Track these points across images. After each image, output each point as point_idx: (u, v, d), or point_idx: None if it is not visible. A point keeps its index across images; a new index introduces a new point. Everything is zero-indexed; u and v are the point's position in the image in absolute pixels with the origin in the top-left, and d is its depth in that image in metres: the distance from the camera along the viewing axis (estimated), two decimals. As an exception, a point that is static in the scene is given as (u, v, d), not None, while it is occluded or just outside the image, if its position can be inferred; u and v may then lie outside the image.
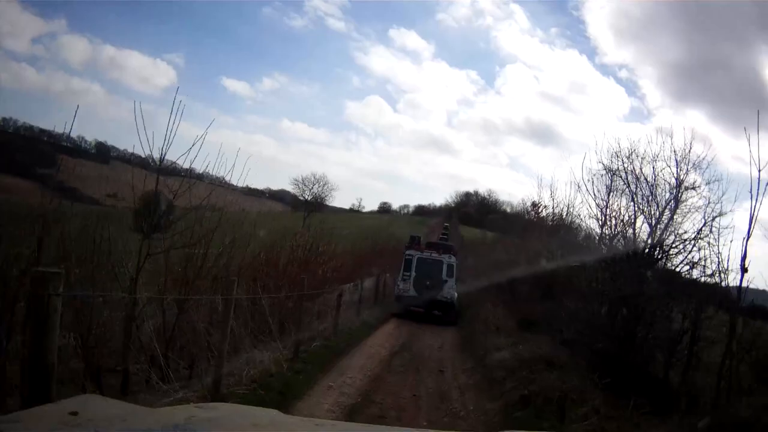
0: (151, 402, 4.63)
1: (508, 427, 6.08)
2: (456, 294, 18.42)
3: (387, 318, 16.83)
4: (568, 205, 17.35)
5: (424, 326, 16.49)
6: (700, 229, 7.98)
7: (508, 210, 51.42)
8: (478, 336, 13.80)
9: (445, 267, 18.77)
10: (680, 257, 8.49)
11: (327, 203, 61.39)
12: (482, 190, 74.45)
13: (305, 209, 51.64)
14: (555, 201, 19.18)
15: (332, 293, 13.07)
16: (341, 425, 2.20)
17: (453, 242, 25.10)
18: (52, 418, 1.60)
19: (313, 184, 59.62)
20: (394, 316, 17.25)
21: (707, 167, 8.35)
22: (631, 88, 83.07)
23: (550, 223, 19.21)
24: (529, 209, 22.72)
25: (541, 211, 20.64)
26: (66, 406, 1.67)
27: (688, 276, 8.39)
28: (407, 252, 19.29)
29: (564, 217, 18.22)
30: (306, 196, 58.75)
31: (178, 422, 1.67)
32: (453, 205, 71.48)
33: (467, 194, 73.65)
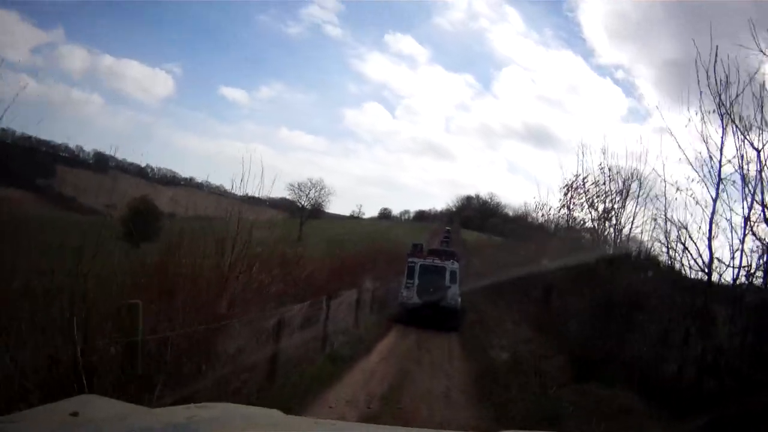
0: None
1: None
2: (460, 300, 18.20)
3: (361, 356, 10.85)
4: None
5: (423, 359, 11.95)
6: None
7: (510, 213, 51.05)
8: (508, 391, 8.30)
9: (448, 273, 18.54)
10: None
11: (325, 209, 60.04)
12: (483, 194, 73.70)
13: (301, 216, 50.33)
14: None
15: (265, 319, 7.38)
16: (341, 425, 2.20)
17: (455, 246, 24.98)
18: (53, 418, 1.60)
19: (310, 189, 57.93)
20: (398, 323, 16.92)
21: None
22: (628, 88, 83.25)
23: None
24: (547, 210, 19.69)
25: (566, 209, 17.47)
26: (67, 407, 1.67)
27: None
28: (410, 259, 19.16)
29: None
30: (302, 202, 57.07)
31: (179, 422, 1.67)
32: (454, 209, 70.80)
33: (468, 198, 73.02)
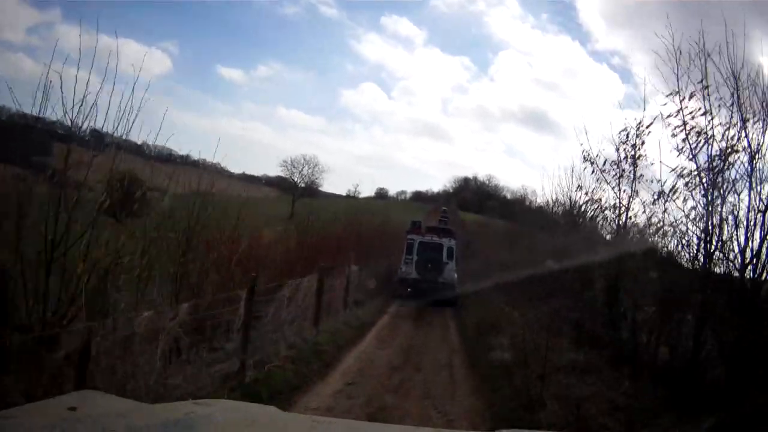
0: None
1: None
2: (456, 276, 19.25)
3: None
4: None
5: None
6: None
7: (508, 196, 50.30)
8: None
9: (445, 250, 19.49)
10: None
11: (321, 189, 58.26)
12: (481, 176, 73.02)
13: (293, 193, 48.78)
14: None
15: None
16: (339, 422, 2.21)
17: (452, 227, 25.44)
18: (51, 413, 1.60)
19: (303, 166, 54.44)
20: (397, 298, 18.38)
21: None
22: (624, 74, 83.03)
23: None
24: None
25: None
26: (65, 402, 1.67)
27: None
28: (409, 236, 19.91)
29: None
30: (295, 179, 54.81)
31: (178, 418, 1.67)
32: (451, 190, 70.32)
33: (466, 180, 72.11)
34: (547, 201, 18.00)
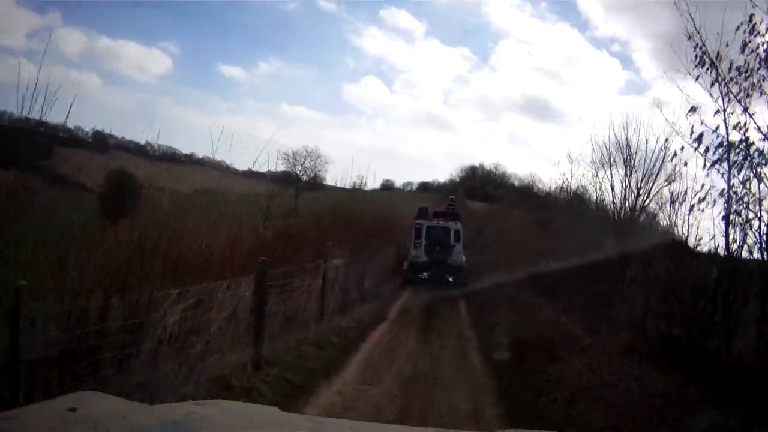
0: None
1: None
2: (464, 257, 20.19)
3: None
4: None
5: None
6: None
7: (516, 183, 49.67)
8: None
9: (452, 233, 20.32)
10: None
11: (325, 182, 57.49)
12: (488, 164, 72.47)
13: (296, 186, 48.28)
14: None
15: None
16: (340, 422, 2.21)
17: (459, 212, 26.15)
18: (50, 414, 1.60)
19: (305, 158, 54.92)
20: (407, 283, 18.87)
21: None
22: (625, 60, 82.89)
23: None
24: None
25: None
26: (65, 403, 1.67)
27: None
28: (417, 221, 20.85)
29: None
30: (297, 172, 53.92)
31: (177, 419, 1.67)
32: (458, 180, 69.80)
33: (472, 168, 71.16)
34: (564, 186, 16.87)
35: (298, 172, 52.67)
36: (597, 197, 13.51)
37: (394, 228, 22.24)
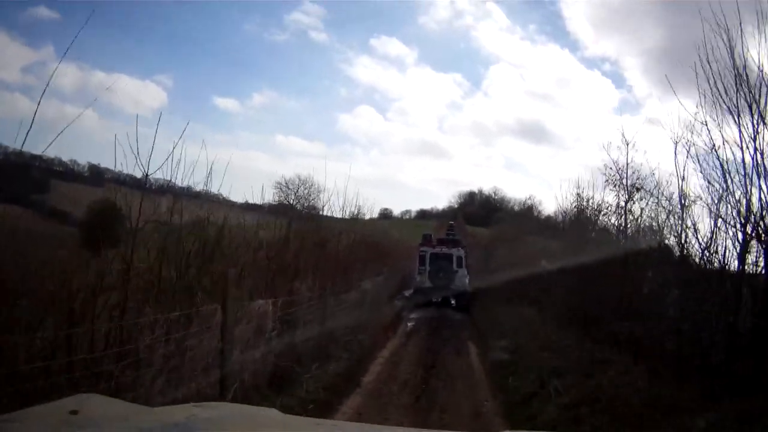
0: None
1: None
2: (467, 281, 20.57)
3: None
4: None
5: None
6: None
7: (516, 208, 49.45)
8: None
9: (455, 259, 20.84)
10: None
11: (321, 212, 57.07)
12: (486, 189, 72.43)
13: (290, 216, 47.84)
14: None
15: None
16: (342, 425, 2.21)
17: (461, 238, 26.68)
18: (52, 416, 1.60)
19: (299, 187, 54.56)
20: (416, 307, 19.17)
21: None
22: (617, 79, 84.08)
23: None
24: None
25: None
26: (66, 405, 1.67)
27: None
28: (421, 248, 21.49)
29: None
30: (291, 200, 53.63)
31: (178, 421, 1.68)
32: (456, 206, 69.67)
33: (471, 194, 71.49)
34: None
35: (291, 201, 52.29)
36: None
37: (386, 254, 21.40)
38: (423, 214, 72.63)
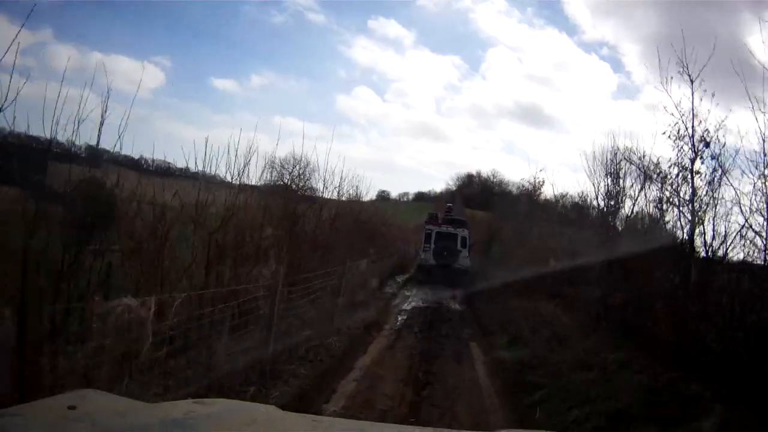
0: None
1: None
2: (470, 262, 21.57)
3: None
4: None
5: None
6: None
7: (515, 190, 48.86)
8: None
9: (459, 239, 21.70)
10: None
11: (319, 194, 56.30)
12: (485, 172, 71.38)
13: (284, 198, 46.81)
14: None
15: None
16: (339, 422, 2.21)
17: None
18: (50, 412, 1.60)
19: (293, 167, 53.78)
20: (417, 282, 19.82)
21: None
22: (615, 64, 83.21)
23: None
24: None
25: None
26: (64, 400, 1.67)
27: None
28: (427, 227, 22.35)
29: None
30: (285, 181, 52.49)
31: (177, 417, 1.67)
32: (455, 188, 68.79)
33: (469, 176, 70.32)
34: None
35: (286, 182, 51.55)
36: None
37: (377, 236, 18.87)
38: (421, 197, 71.96)
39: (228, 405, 1.95)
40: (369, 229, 17.56)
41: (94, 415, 1.60)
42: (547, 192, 20.40)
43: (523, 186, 23.30)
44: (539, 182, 19.81)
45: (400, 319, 13.12)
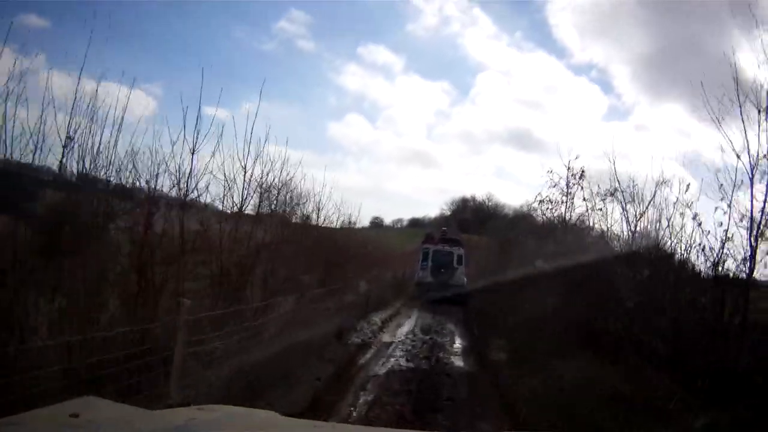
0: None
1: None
2: (465, 279, 22.09)
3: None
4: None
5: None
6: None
7: (510, 214, 48.46)
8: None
9: (455, 257, 22.49)
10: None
11: (311, 222, 55.20)
12: (479, 196, 71.29)
13: (269, 222, 45.64)
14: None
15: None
16: (340, 427, 2.22)
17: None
18: (53, 419, 1.60)
19: (278, 192, 52.05)
20: (415, 299, 20.24)
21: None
22: (605, 86, 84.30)
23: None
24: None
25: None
26: (67, 408, 1.67)
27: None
28: (424, 245, 23.31)
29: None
30: (272, 207, 50.82)
31: (179, 424, 1.68)
32: (449, 213, 68.76)
33: (464, 200, 70.42)
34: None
35: (272, 207, 50.55)
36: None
37: (370, 263, 18.37)
38: (415, 223, 71.74)
39: (229, 411, 1.95)
40: (331, 251, 13.64)
41: (96, 422, 1.60)
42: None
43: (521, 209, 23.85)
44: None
45: (361, 399, 7.34)
